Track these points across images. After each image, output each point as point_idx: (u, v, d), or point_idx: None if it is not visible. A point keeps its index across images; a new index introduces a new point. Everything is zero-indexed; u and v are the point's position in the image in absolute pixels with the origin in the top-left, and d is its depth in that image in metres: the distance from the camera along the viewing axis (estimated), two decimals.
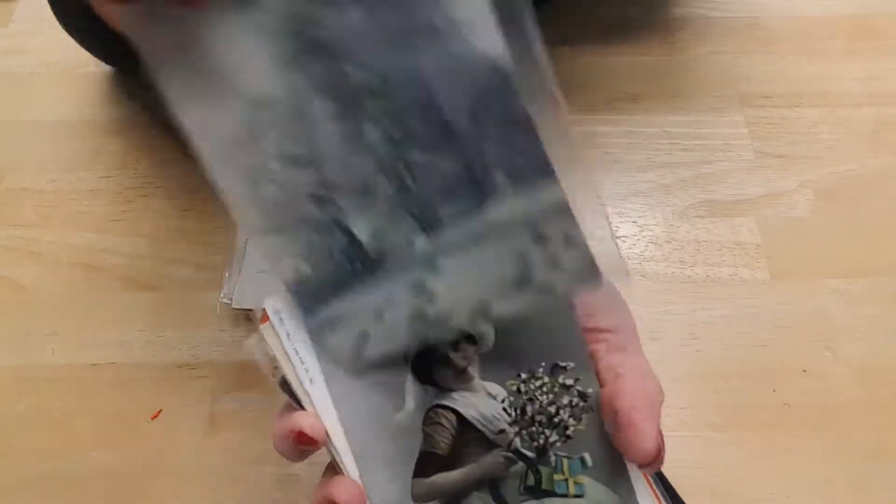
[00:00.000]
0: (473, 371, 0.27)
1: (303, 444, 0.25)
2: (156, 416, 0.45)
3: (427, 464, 0.26)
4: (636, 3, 0.63)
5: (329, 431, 0.26)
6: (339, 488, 0.25)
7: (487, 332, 0.27)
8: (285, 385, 0.26)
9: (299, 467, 0.44)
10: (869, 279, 0.50)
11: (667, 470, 0.44)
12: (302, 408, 0.26)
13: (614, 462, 0.27)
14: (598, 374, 0.28)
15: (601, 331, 0.29)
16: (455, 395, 0.27)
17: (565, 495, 0.26)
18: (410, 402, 0.26)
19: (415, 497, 0.25)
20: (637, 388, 0.26)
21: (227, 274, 0.48)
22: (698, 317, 0.48)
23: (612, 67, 0.59)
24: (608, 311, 0.29)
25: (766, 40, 0.61)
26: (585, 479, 0.26)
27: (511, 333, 0.27)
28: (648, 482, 0.27)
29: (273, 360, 0.27)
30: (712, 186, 0.54)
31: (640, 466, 0.26)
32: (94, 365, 0.47)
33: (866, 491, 0.43)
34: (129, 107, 0.57)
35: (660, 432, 0.25)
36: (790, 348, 0.47)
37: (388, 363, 0.26)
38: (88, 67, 0.59)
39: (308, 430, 0.25)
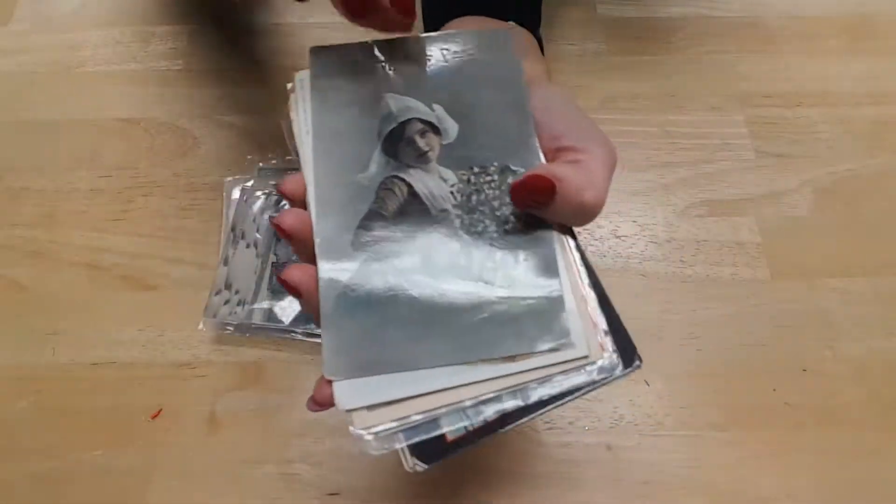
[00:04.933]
0: (433, 156, 0.31)
1: (285, 196, 0.30)
2: (156, 416, 0.45)
3: (372, 220, 0.29)
4: (636, 3, 0.63)
5: (308, 183, 0.30)
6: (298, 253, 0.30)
7: (451, 126, 0.31)
8: (290, 134, 0.31)
9: (300, 467, 0.44)
10: (869, 279, 0.50)
11: (667, 469, 0.44)
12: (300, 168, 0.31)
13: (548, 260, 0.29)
14: None
15: (567, 149, 0.29)
16: (412, 171, 0.30)
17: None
18: (373, 167, 0.30)
19: (353, 244, 0.29)
20: (571, 172, 0.28)
21: (212, 294, 0.48)
22: (698, 317, 0.49)
23: (613, 67, 0.59)
24: (579, 135, 0.30)
25: (766, 40, 0.61)
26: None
27: (473, 133, 0.31)
28: (579, 275, 0.29)
29: (291, 126, 0.32)
30: (712, 186, 0.54)
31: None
32: (95, 364, 0.47)
33: (866, 490, 0.43)
34: (129, 106, 0.57)
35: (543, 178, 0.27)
36: (790, 348, 0.47)
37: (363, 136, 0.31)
38: (88, 67, 0.59)
39: (289, 186, 0.30)
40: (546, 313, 0.28)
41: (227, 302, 0.48)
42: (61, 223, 0.52)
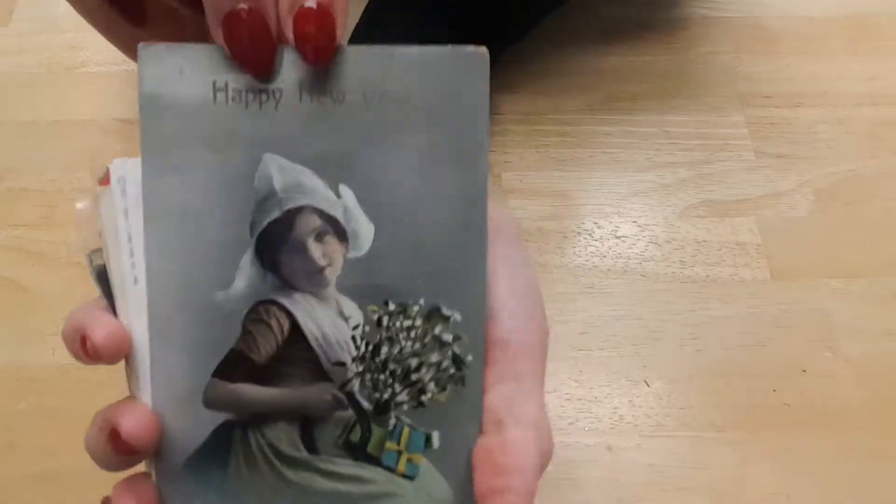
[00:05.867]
0: (332, 275, 0.21)
1: (88, 357, 0.20)
2: None
3: (234, 366, 0.21)
4: (636, 3, 0.63)
5: (136, 344, 0.21)
6: (124, 410, 0.20)
7: (364, 230, 0.21)
8: (102, 278, 0.21)
9: None
10: (869, 279, 0.50)
11: (667, 469, 0.44)
12: (113, 308, 0.21)
13: (467, 459, 0.21)
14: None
15: (498, 341, 0.22)
16: (299, 296, 0.21)
17: (391, 470, 0.21)
18: (240, 284, 0.21)
19: (206, 400, 0.21)
20: (511, 460, 0.20)
21: None
22: (698, 317, 0.48)
23: (612, 67, 0.59)
24: (515, 315, 0.22)
25: (766, 40, 0.61)
26: (423, 462, 0.21)
27: (395, 243, 0.21)
28: None
29: (98, 238, 0.21)
30: (712, 186, 0.54)
31: None
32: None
33: (866, 491, 0.43)
34: (129, 106, 0.57)
35: None
36: (790, 348, 0.47)
37: (228, 234, 0.20)
38: (88, 67, 0.59)
39: (100, 337, 0.19)
40: None
41: None
42: (61, 223, 0.52)
